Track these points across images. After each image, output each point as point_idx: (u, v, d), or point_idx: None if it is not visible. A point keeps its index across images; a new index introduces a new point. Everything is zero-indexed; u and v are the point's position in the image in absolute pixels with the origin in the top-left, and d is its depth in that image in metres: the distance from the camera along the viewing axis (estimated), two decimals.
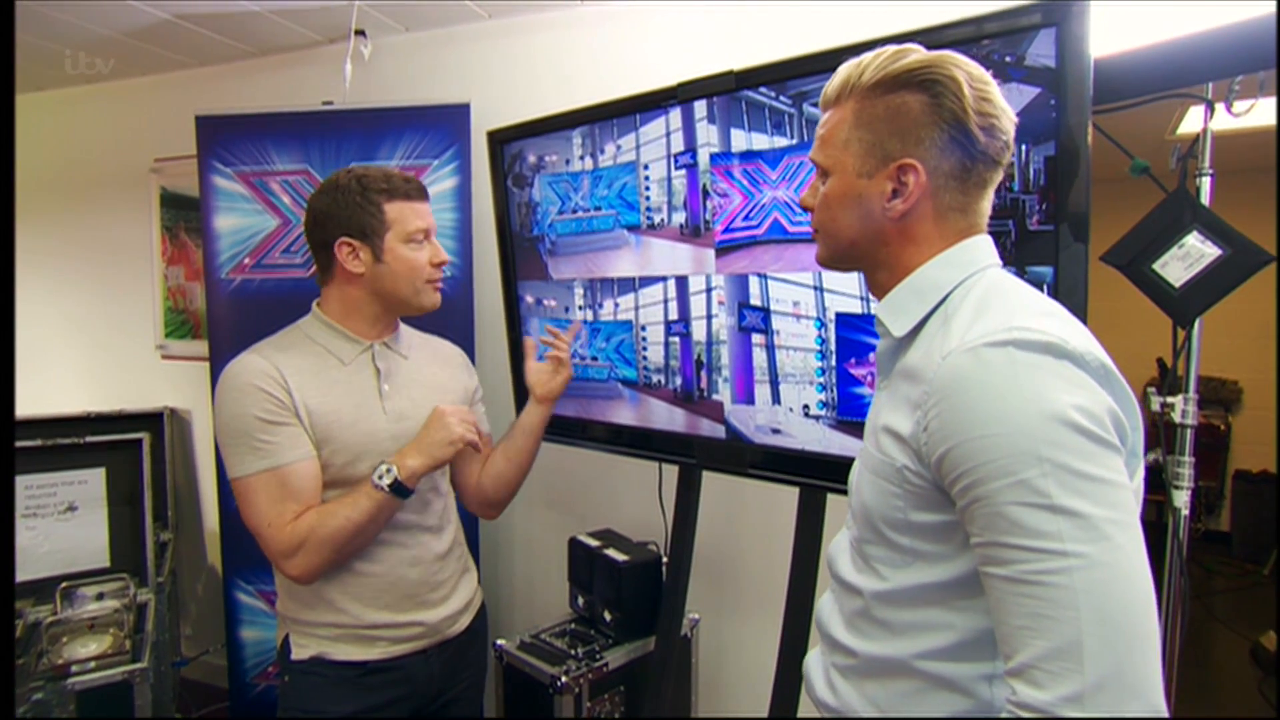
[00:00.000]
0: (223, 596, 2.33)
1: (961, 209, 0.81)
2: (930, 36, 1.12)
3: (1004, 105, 0.80)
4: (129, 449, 2.36)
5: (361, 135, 2.16)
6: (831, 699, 0.87)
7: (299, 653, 1.27)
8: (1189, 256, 1.49)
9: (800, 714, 1.47)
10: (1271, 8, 1.23)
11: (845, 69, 0.84)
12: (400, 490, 1.21)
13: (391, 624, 1.27)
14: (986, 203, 0.83)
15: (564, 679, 1.58)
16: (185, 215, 2.75)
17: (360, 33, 2.28)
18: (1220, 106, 1.51)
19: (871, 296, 0.90)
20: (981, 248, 0.82)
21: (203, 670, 2.77)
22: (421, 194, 1.30)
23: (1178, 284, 1.50)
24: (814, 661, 0.95)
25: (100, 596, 2.11)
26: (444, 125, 2.14)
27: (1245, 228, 1.42)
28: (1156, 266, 1.52)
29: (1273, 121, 1.53)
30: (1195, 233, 1.48)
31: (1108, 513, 0.62)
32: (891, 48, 0.82)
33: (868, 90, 0.81)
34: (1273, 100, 1.47)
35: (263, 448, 1.17)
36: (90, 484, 2.30)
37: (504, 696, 1.73)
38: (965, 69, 0.79)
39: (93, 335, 3.01)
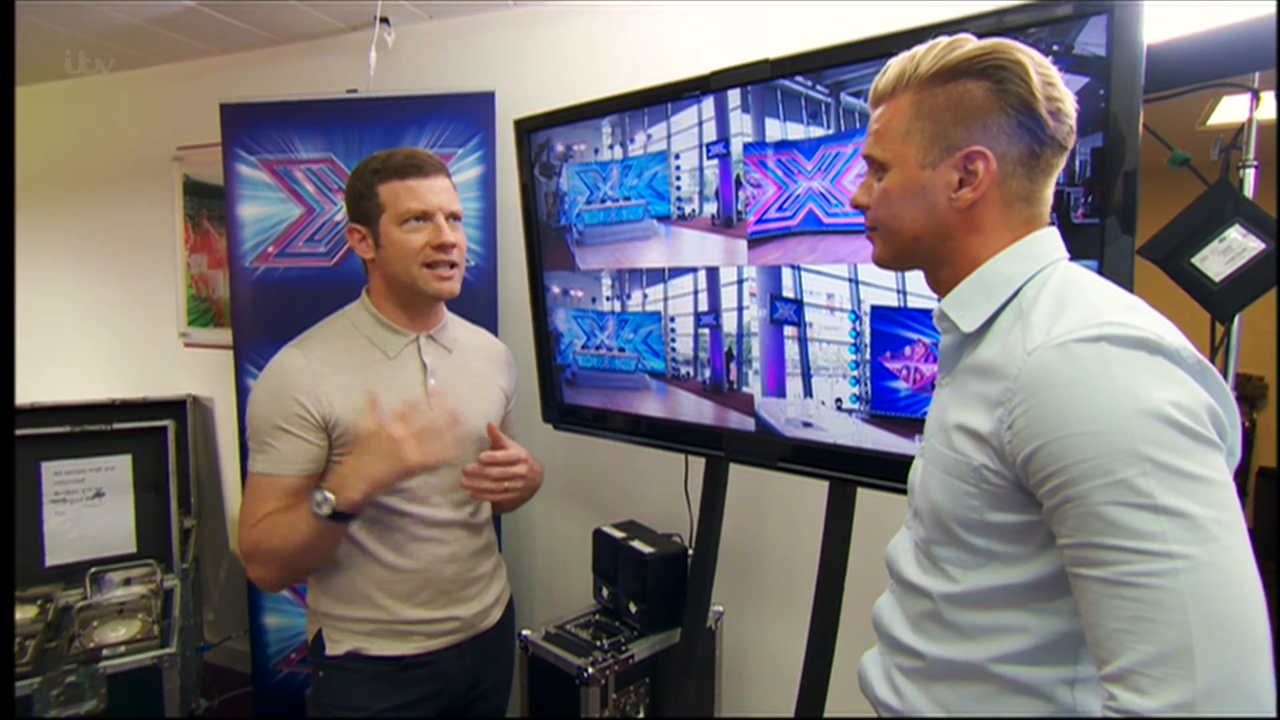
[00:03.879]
0: (245, 583, 2.35)
1: (1027, 197, 0.79)
2: (978, 24, 1.10)
3: (1066, 89, 0.78)
4: (154, 436, 2.38)
5: (386, 123, 2.15)
6: (895, 700, 0.86)
7: (333, 648, 1.26)
8: (1230, 250, 1.46)
9: (829, 710, 1.46)
10: None
11: (898, 62, 0.82)
12: (343, 517, 1.13)
13: (428, 620, 1.27)
14: (1050, 190, 0.81)
15: (591, 670, 1.58)
16: (208, 203, 2.76)
17: (384, 20, 2.27)
18: (1265, 96, 1.48)
19: (935, 293, 0.87)
20: (1051, 240, 0.80)
21: (225, 655, 2.80)
22: (421, 171, 1.22)
23: (1218, 279, 1.47)
24: (872, 662, 0.93)
25: (128, 582, 2.13)
26: (469, 114, 2.13)
27: None
28: (1195, 260, 1.49)
29: None
30: (1238, 226, 1.45)
31: (1213, 513, 0.60)
32: (944, 38, 0.80)
33: (927, 80, 0.79)
34: None
35: (269, 451, 1.19)
36: (117, 470, 2.32)
37: (528, 688, 1.73)
38: (1028, 54, 0.77)
39: (115, 323, 3.03)
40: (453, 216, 1.25)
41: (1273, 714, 0.58)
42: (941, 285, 0.85)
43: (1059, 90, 0.77)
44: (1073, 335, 0.67)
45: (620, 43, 2.13)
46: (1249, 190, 1.48)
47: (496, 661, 1.40)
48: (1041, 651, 0.74)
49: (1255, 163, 1.48)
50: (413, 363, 1.29)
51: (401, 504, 1.24)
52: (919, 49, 0.81)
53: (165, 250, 2.86)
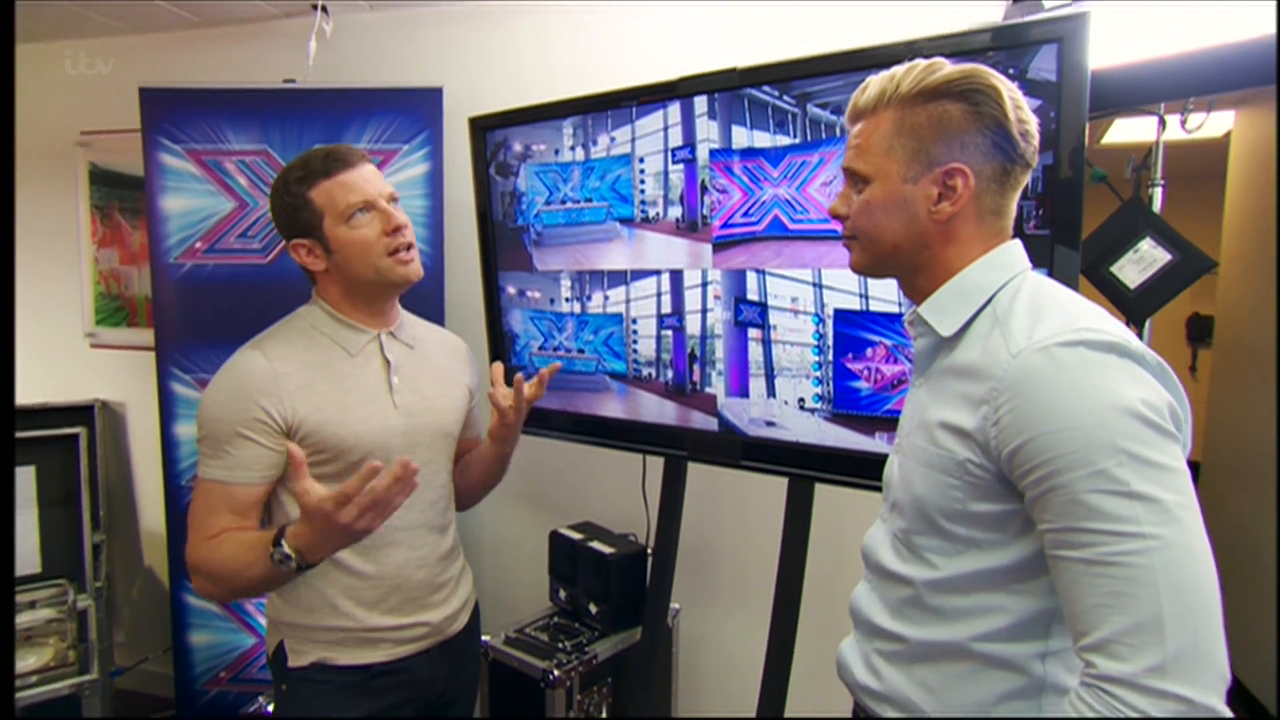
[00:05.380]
0: (169, 600, 2.20)
1: (997, 211, 0.86)
2: (943, 44, 1.17)
3: (1032, 113, 0.85)
4: (61, 445, 2.20)
5: (326, 116, 2.07)
6: (875, 683, 0.90)
7: (297, 659, 1.21)
8: (1143, 260, 1.61)
9: (794, 696, 1.51)
10: (1219, 41, 1.36)
11: (879, 81, 0.87)
12: (305, 569, 1.06)
13: (396, 626, 1.23)
14: (1015, 204, 0.88)
15: (556, 672, 1.57)
16: (119, 194, 2.56)
17: (322, 9, 2.18)
18: (1170, 120, 1.64)
19: (909, 300, 0.93)
20: (1017, 251, 0.87)
21: (140, 679, 2.60)
22: (346, 163, 1.17)
23: (1133, 286, 1.61)
24: (849, 648, 0.98)
25: (33, 604, 1.96)
26: (415, 109, 2.08)
27: (1184, 231, 1.55)
28: (1114, 269, 1.63)
29: (1210, 134, 1.67)
30: (1149, 238, 1.60)
31: (1177, 497, 0.67)
32: (922, 61, 0.86)
33: (908, 100, 0.84)
34: (1219, 115, 1.62)
35: (224, 458, 1.13)
36: (18, 483, 2.13)
37: (489, 693, 1.71)
38: (1001, 79, 0.83)
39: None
40: (391, 199, 1.21)
41: (1227, 672, 0.65)
42: (917, 292, 0.91)
43: (1026, 114, 0.84)
44: (1054, 340, 0.74)
45: (570, 44, 2.13)
46: (1158, 206, 1.65)
47: (464, 666, 1.38)
48: (1018, 629, 0.80)
49: (1162, 182, 1.64)
50: (375, 360, 1.25)
51: None
52: (898, 70, 0.86)
53: (68, 243, 2.63)
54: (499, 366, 1.34)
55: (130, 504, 2.67)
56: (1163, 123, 1.63)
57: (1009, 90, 0.83)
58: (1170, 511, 0.67)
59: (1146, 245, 1.61)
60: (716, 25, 1.98)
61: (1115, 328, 0.75)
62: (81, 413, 2.44)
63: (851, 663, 0.96)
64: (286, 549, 1.04)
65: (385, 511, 1.01)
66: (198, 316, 2.11)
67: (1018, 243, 0.88)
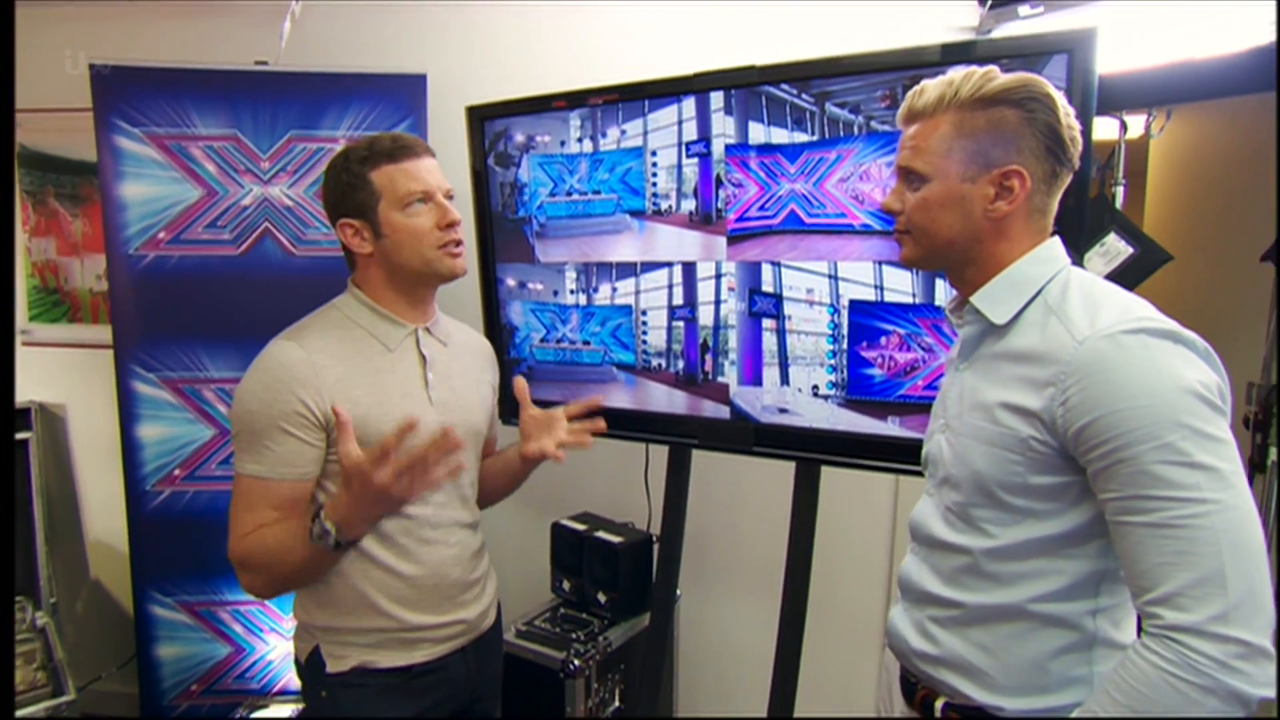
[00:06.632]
0: (132, 612, 2.07)
1: (1043, 210, 0.93)
2: (964, 51, 1.24)
3: (1076, 121, 0.93)
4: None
5: (303, 101, 1.98)
6: (930, 648, 0.97)
7: (336, 665, 1.18)
8: (1109, 253, 1.75)
9: (818, 670, 1.58)
10: (1169, 58, 1.50)
11: (936, 86, 0.93)
12: (347, 544, 1.12)
13: (435, 625, 1.22)
14: (1057, 204, 0.95)
15: (576, 662, 1.59)
16: (55, 178, 2.36)
17: None
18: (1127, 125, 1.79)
19: (955, 289, 1.00)
20: (1059, 248, 0.95)
21: (91, 700, 2.42)
22: (413, 152, 1.19)
23: (1100, 277, 1.76)
24: (900, 618, 1.03)
25: None
26: (397, 96, 2.02)
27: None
28: (1083, 262, 1.77)
29: (1131, 134, 1.83)
30: (1114, 233, 1.75)
31: (1231, 466, 0.76)
32: (979, 69, 0.92)
33: (966, 104, 0.90)
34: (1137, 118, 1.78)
35: (265, 454, 1.12)
36: None
37: (502, 688, 1.70)
38: (1053, 89, 0.90)
39: None
40: (448, 195, 1.23)
41: (1273, 615, 0.75)
42: (965, 283, 0.97)
43: (1074, 122, 0.92)
44: (1118, 328, 0.81)
45: (555, 35, 2.11)
46: (1119, 202, 1.80)
47: (492, 663, 1.38)
48: (1071, 589, 0.88)
49: (1124, 181, 1.79)
50: (411, 355, 1.24)
51: (408, 507, 1.18)
52: (955, 76, 0.92)
53: None
54: (521, 382, 1.40)
55: (74, 514, 2.48)
56: (1124, 125, 1.78)
57: (1061, 100, 0.90)
58: (1226, 479, 0.76)
59: (1112, 239, 1.75)
60: (706, 17, 2.01)
61: (1164, 317, 0.83)
62: (17, 417, 2.25)
63: (905, 632, 1.02)
64: (325, 522, 1.07)
65: (423, 479, 1.06)
66: (162, 311, 1.99)
67: (1058, 239, 0.95)
